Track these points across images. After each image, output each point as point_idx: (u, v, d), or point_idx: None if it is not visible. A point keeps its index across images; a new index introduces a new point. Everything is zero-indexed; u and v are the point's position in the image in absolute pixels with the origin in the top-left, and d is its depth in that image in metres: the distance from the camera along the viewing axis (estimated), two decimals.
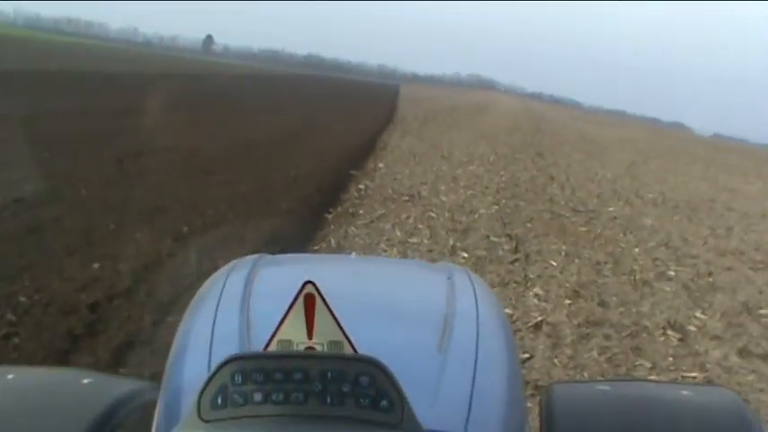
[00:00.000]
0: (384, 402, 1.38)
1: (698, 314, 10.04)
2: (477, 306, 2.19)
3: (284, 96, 50.61)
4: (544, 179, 22.27)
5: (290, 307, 1.51)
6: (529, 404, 3.89)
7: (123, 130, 20.44)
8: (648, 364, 7.90)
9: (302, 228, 11.87)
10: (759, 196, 27.18)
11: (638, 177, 26.29)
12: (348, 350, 1.51)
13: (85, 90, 33.81)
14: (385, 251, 11.12)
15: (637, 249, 13.67)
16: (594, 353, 8.11)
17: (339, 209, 14.01)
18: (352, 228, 12.49)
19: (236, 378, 1.39)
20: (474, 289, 2.37)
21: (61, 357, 6.24)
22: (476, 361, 1.82)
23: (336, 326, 1.52)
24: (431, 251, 11.47)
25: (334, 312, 1.52)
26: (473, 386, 1.70)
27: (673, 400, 2.16)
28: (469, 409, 1.61)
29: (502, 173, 22.13)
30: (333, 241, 11.24)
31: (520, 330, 8.56)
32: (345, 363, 1.41)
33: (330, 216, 13.33)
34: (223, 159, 17.65)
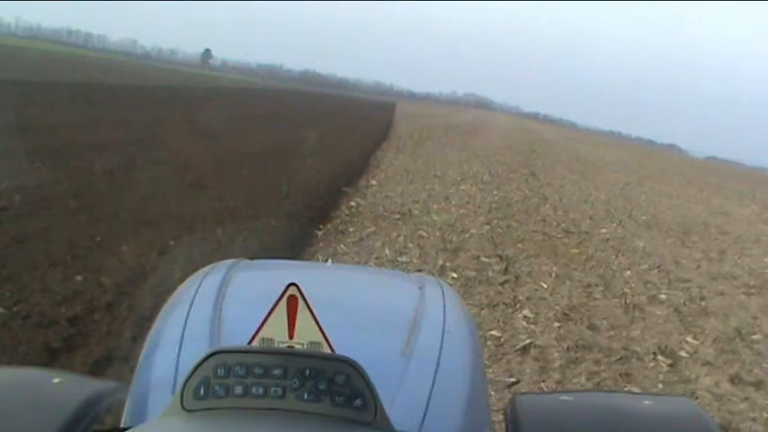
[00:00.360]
0: (358, 401, 1.44)
1: (689, 339, 9.91)
2: (444, 315, 2.28)
3: (278, 110, 50.56)
4: (537, 199, 22.19)
5: (274, 307, 1.58)
6: (495, 418, 3.80)
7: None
8: (637, 391, 7.74)
9: (291, 243, 11.73)
10: (753, 219, 27.14)
11: (631, 199, 26.24)
12: (327, 350, 1.58)
13: (87, 101, 33.66)
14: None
15: (628, 272, 13.56)
16: (583, 378, 7.96)
17: (329, 225, 13.87)
18: (342, 245, 12.35)
19: (219, 371, 1.45)
20: (444, 299, 2.46)
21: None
22: (437, 367, 1.90)
23: (317, 327, 1.59)
24: (420, 270, 11.33)
25: (315, 314, 1.59)
26: (432, 390, 1.79)
27: (634, 409, 2.19)
28: (425, 411, 1.71)
29: (495, 192, 22.05)
30: (320, 258, 11.08)
31: (507, 354, 8.41)
32: (323, 362, 1.46)
33: (320, 233, 13.19)
34: (213, 171, 17.49)
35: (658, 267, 14.37)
